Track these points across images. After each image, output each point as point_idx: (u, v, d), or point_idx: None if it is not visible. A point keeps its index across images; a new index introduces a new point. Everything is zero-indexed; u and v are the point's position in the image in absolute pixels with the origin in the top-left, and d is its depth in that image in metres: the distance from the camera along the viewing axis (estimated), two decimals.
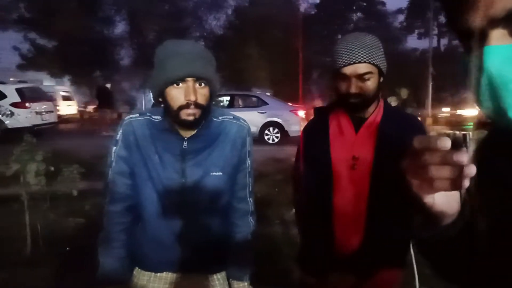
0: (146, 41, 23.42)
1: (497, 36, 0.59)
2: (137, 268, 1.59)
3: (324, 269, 1.65)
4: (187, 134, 1.47)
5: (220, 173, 1.49)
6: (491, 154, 0.72)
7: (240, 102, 13.25)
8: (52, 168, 3.77)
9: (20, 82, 13.39)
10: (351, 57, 1.48)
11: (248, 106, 12.85)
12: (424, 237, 0.73)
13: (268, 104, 12.45)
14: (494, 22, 0.59)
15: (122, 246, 1.53)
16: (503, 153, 0.69)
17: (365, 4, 29.14)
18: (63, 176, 3.98)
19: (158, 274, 1.56)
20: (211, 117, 1.51)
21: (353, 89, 1.50)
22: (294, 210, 1.78)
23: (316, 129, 1.70)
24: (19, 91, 12.10)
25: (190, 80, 1.36)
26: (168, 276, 1.55)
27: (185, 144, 1.47)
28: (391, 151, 1.47)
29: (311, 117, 1.79)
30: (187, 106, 1.37)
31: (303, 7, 26.28)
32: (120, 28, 24.53)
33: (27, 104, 11.96)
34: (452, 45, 31.06)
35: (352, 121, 1.61)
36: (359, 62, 1.48)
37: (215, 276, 1.60)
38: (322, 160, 1.62)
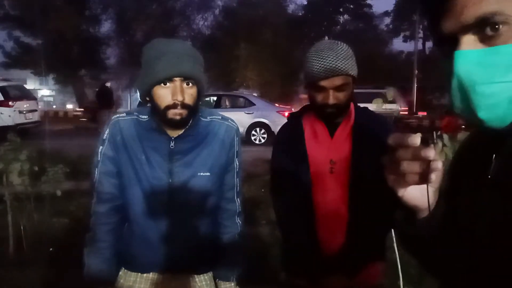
0: (133, 40, 23.24)
1: (467, 41, 0.63)
2: (123, 268, 1.58)
3: (310, 271, 1.66)
4: (175, 134, 1.47)
5: (208, 174, 1.49)
6: (470, 153, 0.79)
7: (227, 103, 13.24)
8: (36, 168, 3.72)
9: (3, 80, 13.16)
10: (327, 71, 1.48)
11: (235, 106, 12.86)
12: (405, 232, 0.80)
13: (255, 104, 12.47)
14: (465, 28, 0.63)
15: (109, 247, 1.51)
16: (481, 152, 0.74)
17: (352, 6, 29.35)
18: (48, 176, 3.93)
19: (145, 274, 1.54)
20: (199, 117, 1.50)
21: (330, 100, 1.51)
22: (276, 215, 1.78)
23: (292, 135, 1.70)
24: (2, 89, 11.91)
25: (177, 79, 1.35)
26: (154, 277, 1.54)
27: (172, 144, 1.46)
28: (368, 152, 1.51)
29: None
30: (174, 106, 1.36)
31: (290, 8, 26.38)
32: (107, 27, 24.32)
33: (10, 103, 11.78)
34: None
35: (327, 125, 1.64)
36: (337, 75, 1.49)
37: (202, 277, 1.59)
38: (300, 166, 1.64)
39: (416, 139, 0.65)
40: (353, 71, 1.53)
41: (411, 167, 0.67)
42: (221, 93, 13.95)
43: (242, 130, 11.65)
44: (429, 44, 32.40)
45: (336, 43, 1.54)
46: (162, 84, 1.36)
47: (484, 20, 0.60)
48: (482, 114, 0.63)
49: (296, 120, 1.72)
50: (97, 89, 15.20)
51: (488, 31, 0.61)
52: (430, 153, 0.64)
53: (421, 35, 27.67)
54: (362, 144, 1.57)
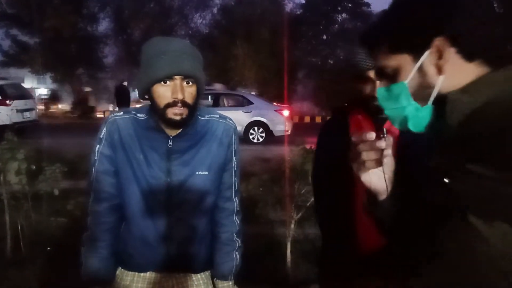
0: (131, 39, 23.20)
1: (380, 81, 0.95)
2: (120, 268, 1.57)
3: (347, 271, 1.59)
4: (173, 132, 1.46)
5: (206, 172, 1.49)
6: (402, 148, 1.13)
7: (225, 101, 13.23)
8: (34, 167, 3.71)
9: (0, 79, 13.11)
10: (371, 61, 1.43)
11: (233, 105, 12.86)
12: (372, 213, 1.03)
13: (253, 103, 12.46)
14: (378, 71, 0.95)
15: (106, 246, 1.51)
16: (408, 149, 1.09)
17: (350, 5, 29.31)
18: (45, 175, 3.92)
19: (142, 274, 1.54)
20: (197, 116, 1.50)
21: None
22: (316, 213, 1.74)
23: (336, 131, 1.64)
24: None
25: (177, 78, 1.35)
26: (152, 276, 1.54)
27: (170, 143, 1.46)
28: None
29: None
30: (174, 104, 1.36)
31: (288, 7, 26.35)
32: (104, 25, 24.25)
33: (7, 102, 11.73)
34: None
35: (374, 123, 1.54)
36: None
37: (199, 276, 1.59)
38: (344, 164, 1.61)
39: (371, 135, 0.91)
40: None
41: (369, 155, 0.93)
42: (219, 91, 13.93)
43: (240, 129, 11.64)
44: None
45: None
46: (162, 83, 1.35)
47: (381, 70, 0.93)
48: (397, 126, 0.93)
49: (341, 115, 1.65)
50: (114, 88, 15.30)
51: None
52: (382, 144, 0.91)
53: None
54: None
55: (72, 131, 12.96)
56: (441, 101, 0.86)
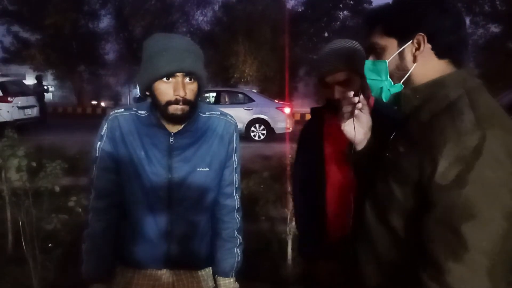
0: (132, 35, 23.18)
1: (370, 56, 1.20)
2: (121, 264, 1.57)
3: (317, 254, 1.73)
4: (174, 129, 1.46)
5: (207, 169, 1.49)
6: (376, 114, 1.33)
7: (227, 99, 13.23)
8: (34, 164, 3.70)
9: (1, 76, 13.12)
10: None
11: (234, 102, 12.85)
12: (355, 161, 1.33)
13: (254, 101, 12.45)
14: (370, 47, 1.20)
15: (107, 243, 1.51)
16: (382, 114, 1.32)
17: (352, 2, 29.23)
18: (46, 172, 3.91)
19: (143, 270, 1.54)
20: (198, 113, 1.50)
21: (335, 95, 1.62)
22: (293, 202, 1.93)
23: (313, 130, 1.82)
24: (1, 85, 11.84)
25: (179, 75, 1.35)
26: (152, 273, 1.54)
27: (171, 139, 1.46)
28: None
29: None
30: (175, 101, 1.36)
31: (290, 4, 26.29)
32: (105, 22, 24.21)
33: (9, 98, 11.73)
34: None
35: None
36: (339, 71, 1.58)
37: (200, 272, 1.59)
38: (317, 156, 1.75)
39: (351, 93, 1.23)
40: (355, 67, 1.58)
41: (346, 108, 1.25)
42: (220, 89, 13.92)
43: (241, 126, 11.64)
44: None
45: (343, 41, 1.64)
46: (164, 79, 1.35)
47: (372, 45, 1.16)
48: (373, 94, 1.19)
49: (318, 114, 1.84)
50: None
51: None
52: (355, 99, 1.22)
53: None
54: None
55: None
56: (399, 95, 1.12)
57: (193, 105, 1.41)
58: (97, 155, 1.48)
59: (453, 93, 1.03)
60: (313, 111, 1.88)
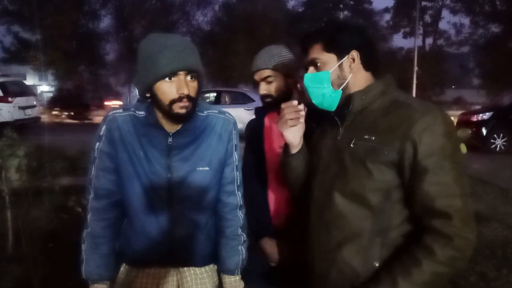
0: (132, 35, 23.18)
1: (309, 70, 1.43)
2: (124, 264, 1.57)
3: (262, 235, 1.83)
4: (172, 129, 1.46)
5: (207, 168, 1.49)
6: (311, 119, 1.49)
7: (227, 99, 13.21)
8: (34, 163, 3.71)
9: (2, 76, 13.13)
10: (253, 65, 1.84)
11: (234, 102, 12.82)
12: (283, 160, 1.54)
13: (254, 101, 12.43)
14: (309, 61, 1.44)
15: (107, 243, 1.51)
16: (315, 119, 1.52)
17: (352, 2, 29.28)
18: (46, 172, 3.92)
19: (147, 269, 1.54)
20: (196, 112, 1.49)
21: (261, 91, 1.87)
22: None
23: (255, 127, 2.04)
24: (1, 85, 11.86)
25: (182, 73, 1.34)
26: (156, 271, 1.54)
27: (170, 139, 1.46)
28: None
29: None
30: (179, 99, 1.35)
31: (290, 4, 26.29)
32: (106, 22, 24.27)
33: (9, 99, 11.73)
34: (437, 45, 31.41)
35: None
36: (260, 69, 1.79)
37: (203, 269, 1.59)
38: (259, 151, 1.93)
39: (294, 102, 1.41)
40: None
41: (289, 115, 1.40)
42: (220, 89, 13.90)
43: (242, 126, 11.51)
44: (429, 40, 32.42)
45: (272, 46, 1.87)
46: (166, 79, 1.34)
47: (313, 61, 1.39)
48: (314, 101, 1.40)
49: (261, 113, 2.02)
50: None
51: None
52: (301, 107, 1.40)
53: (421, 31, 27.60)
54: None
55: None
56: (348, 97, 1.36)
57: (195, 103, 1.41)
58: (95, 155, 1.48)
59: (390, 93, 1.35)
60: (256, 110, 2.07)
